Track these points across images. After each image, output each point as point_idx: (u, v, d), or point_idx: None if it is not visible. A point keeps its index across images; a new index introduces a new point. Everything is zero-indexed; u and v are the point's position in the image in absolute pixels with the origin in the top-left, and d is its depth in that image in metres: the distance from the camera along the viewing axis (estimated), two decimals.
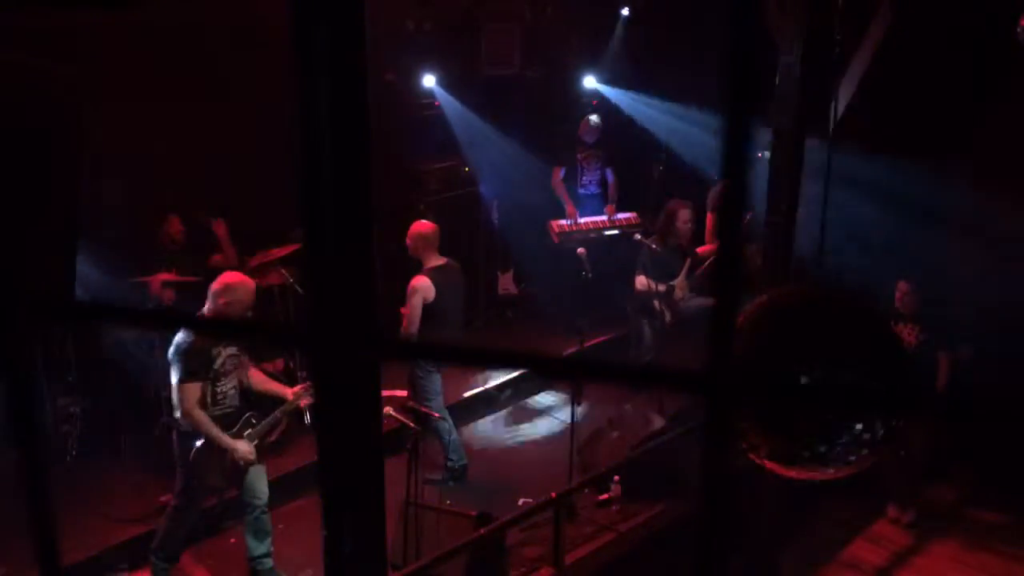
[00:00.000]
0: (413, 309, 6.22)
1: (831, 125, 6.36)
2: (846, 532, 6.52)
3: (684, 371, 0.62)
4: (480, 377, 7.94)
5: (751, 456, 2.67)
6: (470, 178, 9.18)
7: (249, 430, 5.32)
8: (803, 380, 2.53)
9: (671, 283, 7.31)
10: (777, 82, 6.12)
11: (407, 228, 6.53)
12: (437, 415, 6.30)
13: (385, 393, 6.01)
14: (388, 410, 5.31)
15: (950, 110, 7.23)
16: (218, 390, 5.19)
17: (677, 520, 6.19)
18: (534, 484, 6.39)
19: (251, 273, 7.17)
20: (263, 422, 5.38)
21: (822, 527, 6.60)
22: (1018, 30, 5.92)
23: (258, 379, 5.53)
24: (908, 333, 6.27)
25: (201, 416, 5.10)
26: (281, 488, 6.33)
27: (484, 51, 9.27)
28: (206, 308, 5.14)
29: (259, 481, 5.43)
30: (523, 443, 7.26)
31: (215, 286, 5.15)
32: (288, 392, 5.48)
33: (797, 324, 2.87)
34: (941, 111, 7.22)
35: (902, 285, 6.31)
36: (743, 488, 6.31)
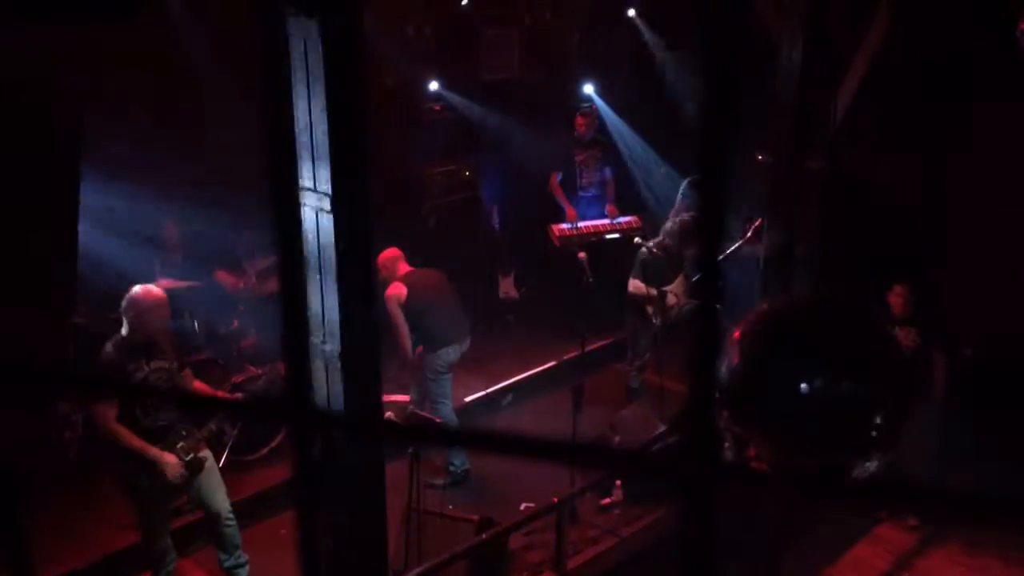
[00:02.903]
0: (395, 318, 6.36)
1: (831, 128, 6.37)
2: (847, 535, 6.52)
3: (667, 460, 0.63)
4: (482, 382, 7.94)
5: (755, 465, 2.68)
6: (471, 182, 9.19)
7: (181, 443, 5.18)
8: (803, 387, 2.53)
9: (664, 288, 7.31)
10: (776, 85, 6.14)
11: (409, 232, 6.61)
12: (439, 420, 6.31)
13: (387, 398, 6.04)
14: (390, 415, 5.31)
15: (949, 112, 7.23)
16: (147, 403, 5.07)
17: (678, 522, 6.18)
18: (536, 488, 6.38)
19: (255, 276, 7.23)
20: (196, 434, 5.27)
21: (823, 530, 6.59)
22: (1017, 33, 5.93)
23: (200, 391, 5.46)
24: (905, 336, 6.27)
25: (120, 430, 5.00)
26: (280, 495, 6.33)
27: (483, 56, 9.29)
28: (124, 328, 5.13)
29: (215, 495, 5.34)
30: None
31: (125, 301, 5.08)
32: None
33: (796, 331, 2.88)
34: (940, 113, 7.23)
35: (898, 288, 6.31)
36: (745, 491, 6.31)
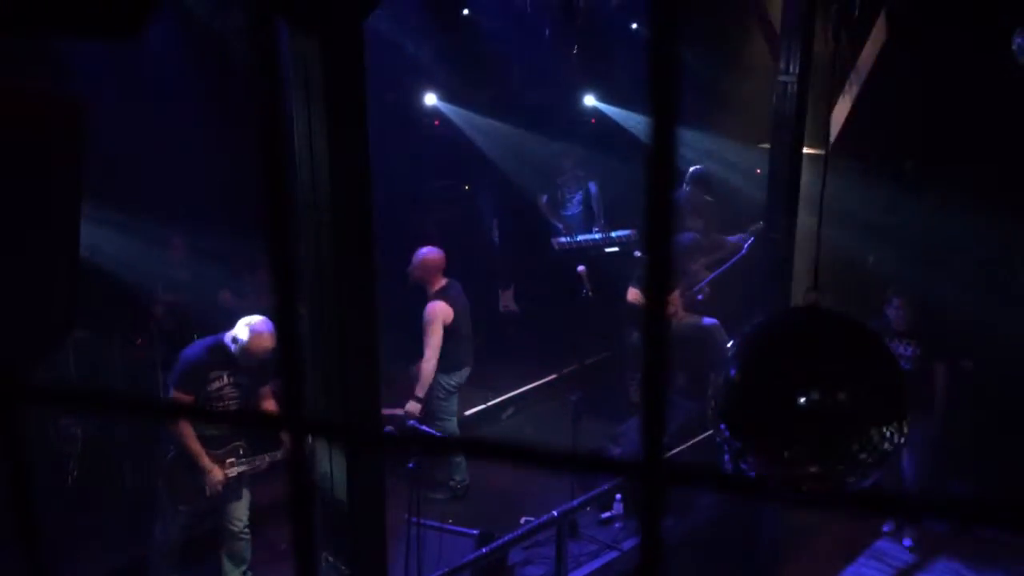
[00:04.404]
0: (435, 337, 6.26)
1: (828, 142, 6.40)
2: (848, 549, 6.51)
3: (623, 461, 0.64)
4: (482, 395, 7.95)
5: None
6: (470, 196, 9.22)
7: (232, 459, 5.29)
8: (800, 401, 2.54)
9: None
10: (774, 100, 6.17)
11: (408, 246, 6.57)
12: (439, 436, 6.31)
13: (386, 412, 6.05)
14: (390, 430, 5.32)
15: (946, 127, 7.26)
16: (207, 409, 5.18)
17: (681, 537, 6.18)
18: (536, 502, 6.38)
19: (256, 291, 7.26)
20: (249, 458, 5.35)
21: (824, 545, 6.58)
22: (1013, 47, 5.96)
23: (267, 411, 5.49)
24: (905, 348, 6.28)
25: (185, 427, 5.14)
26: (283, 508, 6.32)
27: (484, 72, 9.34)
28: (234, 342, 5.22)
29: (238, 508, 5.41)
30: None
31: (238, 325, 5.22)
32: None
33: (793, 343, 2.88)
34: (937, 128, 7.26)
35: (897, 300, 6.33)
36: (746, 507, 6.31)
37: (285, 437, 5.32)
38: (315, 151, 3.67)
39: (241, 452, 5.33)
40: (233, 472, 5.30)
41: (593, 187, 9.04)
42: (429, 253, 6.42)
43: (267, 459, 5.46)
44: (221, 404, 5.23)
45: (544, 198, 8.98)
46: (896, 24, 6.96)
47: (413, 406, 6.29)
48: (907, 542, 6.53)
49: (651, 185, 0.58)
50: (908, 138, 7.36)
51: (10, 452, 0.67)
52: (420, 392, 6.30)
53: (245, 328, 5.16)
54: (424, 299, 6.41)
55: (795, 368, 2.79)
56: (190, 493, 5.25)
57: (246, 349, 5.15)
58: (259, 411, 5.25)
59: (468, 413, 7.68)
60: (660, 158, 0.57)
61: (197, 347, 5.31)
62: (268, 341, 5.14)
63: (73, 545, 5.77)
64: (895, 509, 0.66)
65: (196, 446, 5.14)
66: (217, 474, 5.20)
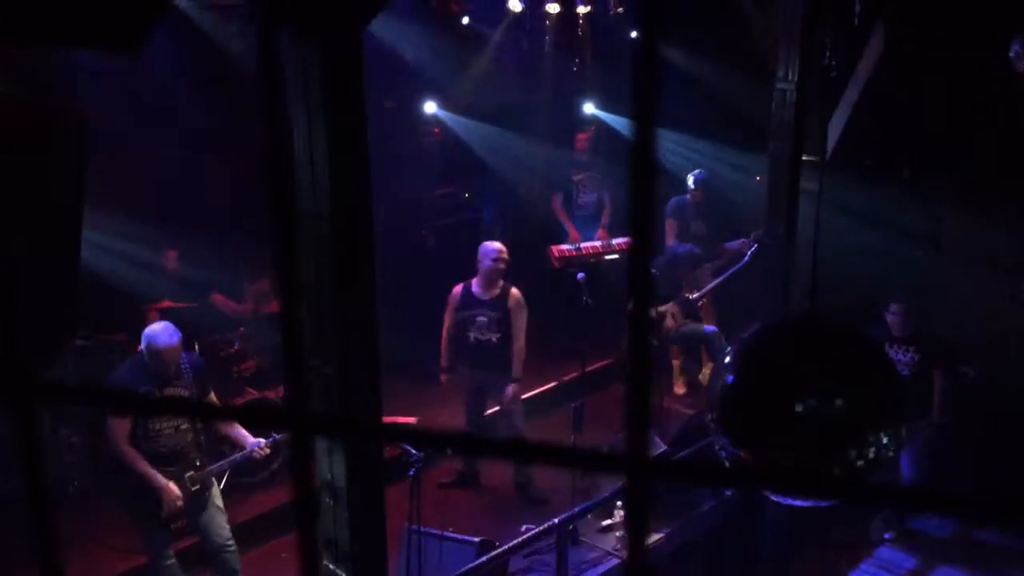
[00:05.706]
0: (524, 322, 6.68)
1: (826, 150, 6.42)
2: (849, 556, 6.50)
3: (609, 454, 0.66)
4: None
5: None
6: (471, 204, 9.23)
7: (191, 473, 5.19)
8: (797, 407, 2.55)
9: (661, 308, 7.37)
10: (773, 108, 6.20)
11: (408, 255, 6.64)
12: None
13: (386, 420, 6.04)
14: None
15: (944, 133, 7.28)
16: (149, 427, 5.08)
17: (682, 545, 6.17)
18: (536, 510, 6.38)
19: (254, 299, 7.27)
20: (208, 468, 5.29)
21: (825, 552, 6.58)
22: (1011, 54, 5.99)
23: (224, 425, 5.44)
24: (904, 354, 6.30)
25: (127, 451, 5.03)
26: (282, 518, 6.32)
27: (483, 77, 9.36)
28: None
29: (212, 524, 5.33)
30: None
31: (143, 335, 5.15)
32: (247, 443, 5.39)
33: (791, 350, 2.89)
34: (935, 134, 7.28)
35: (895, 307, 6.34)
36: (747, 513, 6.31)
37: (247, 438, 5.26)
38: (315, 159, 3.68)
39: (198, 464, 5.23)
40: (194, 487, 5.19)
41: (607, 196, 9.05)
42: (503, 248, 6.75)
43: (225, 464, 5.41)
44: (159, 420, 5.11)
45: (560, 197, 8.99)
46: (894, 31, 6.99)
47: (516, 388, 6.72)
48: (887, 534, 6.58)
49: (633, 183, 0.59)
50: (906, 145, 7.38)
51: (27, 444, 0.68)
52: (517, 373, 6.70)
53: (144, 337, 5.09)
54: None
55: (792, 375, 2.80)
56: (149, 512, 5.14)
57: (152, 356, 5.06)
58: (263, 406, 5.19)
59: None
60: (641, 155, 0.58)
61: (120, 369, 5.26)
62: (164, 340, 5.02)
63: (74, 553, 5.77)
64: (871, 499, 0.67)
65: (144, 467, 5.01)
66: (172, 488, 5.08)
